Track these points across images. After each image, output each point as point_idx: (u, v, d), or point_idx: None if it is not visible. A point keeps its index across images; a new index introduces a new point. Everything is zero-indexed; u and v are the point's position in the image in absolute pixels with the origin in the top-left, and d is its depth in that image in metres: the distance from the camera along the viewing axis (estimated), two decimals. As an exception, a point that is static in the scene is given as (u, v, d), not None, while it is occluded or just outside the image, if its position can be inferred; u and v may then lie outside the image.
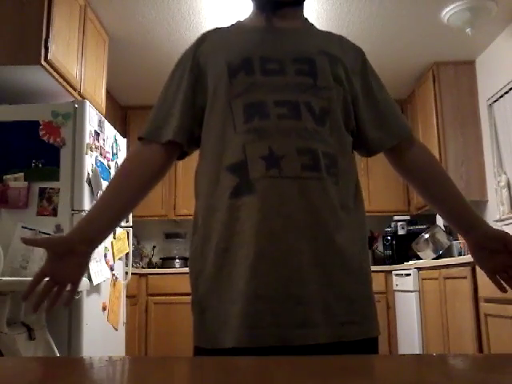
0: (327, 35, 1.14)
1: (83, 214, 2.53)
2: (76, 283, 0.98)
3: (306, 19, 1.14)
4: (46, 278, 0.96)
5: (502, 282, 1.11)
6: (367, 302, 0.99)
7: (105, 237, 1.04)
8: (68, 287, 0.98)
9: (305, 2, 1.13)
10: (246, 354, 0.85)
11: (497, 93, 3.68)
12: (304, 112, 0.96)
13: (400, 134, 1.10)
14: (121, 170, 1.07)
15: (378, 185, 4.68)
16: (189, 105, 1.04)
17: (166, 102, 1.06)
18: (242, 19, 1.16)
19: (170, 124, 1.03)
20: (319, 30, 1.15)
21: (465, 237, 1.12)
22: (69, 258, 0.96)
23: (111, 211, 1.02)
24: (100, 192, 2.72)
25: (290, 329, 0.89)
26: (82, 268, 1.00)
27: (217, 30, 1.13)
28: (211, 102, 1.02)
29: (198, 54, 1.07)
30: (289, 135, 0.94)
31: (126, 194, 1.03)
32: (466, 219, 1.09)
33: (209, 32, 1.12)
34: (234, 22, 1.16)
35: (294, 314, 0.90)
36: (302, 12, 1.13)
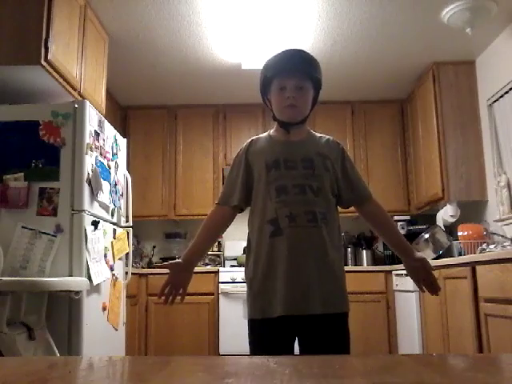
0: (320, 140, 1.81)
1: (83, 214, 2.53)
2: (185, 288, 1.71)
3: (309, 130, 1.83)
4: (168, 286, 1.69)
5: (424, 288, 1.76)
6: (342, 293, 1.71)
7: (199, 261, 1.92)
8: (180, 290, 1.70)
9: (308, 117, 1.80)
10: (282, 322, 1.62)
11: (497, 93, 3.68)
12: (308, 190, 1.68)
13: (363, 196, 1.82)
14: (208, 222, 1.82)
15: (378, 185, 4.68)
16: (244, 186, 1.77)
17: (230, 183, 1.80)
18: (271, 132, 1.83)
19: (234, 196, 1.77)
20: (316, 137, 1.82)
21: (402, 259, 1.81)
22: (181, 274, 1.73)
23: (203, 247, 1.86)
24: (100, 192, 2.73)
25: (305, 306, 1.63)
26: (188, 279, 1.74)
27: (257, 139, 1.83)
28: (256, 184, 1.74)
29: (247, 156, 1.79)
30: (300, 204, 1.67)
31: (211, 236, 1.86)
32: (403, 249, 1.80)
33: (253, 140, 1.83)
34: (266, 133, 1.85)
35: (306, 299, 1.64)
36: (305, 126, 1.81)
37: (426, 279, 1.75)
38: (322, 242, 1.67)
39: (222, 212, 1.80)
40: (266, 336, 1.66)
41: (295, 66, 1.71)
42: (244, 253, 4.44)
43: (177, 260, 1.77)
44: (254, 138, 1.85)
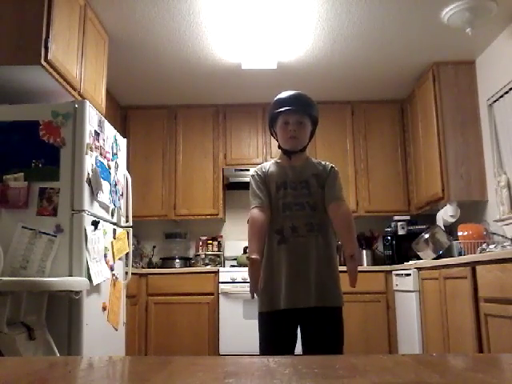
0: (317, 165, 2.21)
1: (83, 214, 2.53)
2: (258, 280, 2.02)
3: (308, 157, 2.25)
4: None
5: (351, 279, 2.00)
6: (336, 290, 2.08)
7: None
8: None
9: (307, 146, 2.25)
10: (287, 314, 2.01)
11: (497, 93, 3.68)
12: (306, 206, 2.10)
13: (333, 198, 2.14)
14: (255, 221, 2.07)
15: (378, 185, 4.68)
16: (268, 195, 2.14)
17: (257, 193, 2.13)
18: (277, 159, 2.25)
19: (263, 199, 2.12)
20: (314, 162, 2.23)
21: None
22: (259, 268, 2.02)
23: (263, 242, 2.09)
24: (100, 192, 2.73)
25: (304, 300, 2.01)
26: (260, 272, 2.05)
27: (267, 165, 2.23)
28: (270, 199, 2.13)
29: (264, 176, 2.18)
30: (300, 217, 2.08)
31: (265, 232, 2.09)
32: (343, 244, 2.14)
33: (267, 165, 2.24)
34: (273, 161, 2.27)
35: (305, 295, 2.02)
36: (305, 153, 2.23)
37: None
38: (319, 247, 2.07)
39: (263, 211, 2.09)
40: (272, 325, 2.05)
41: (297, 106, 2.14)
42: (244, 252, 4.46)
43: (254, 257, 1.97)
44: (264, 164, 2.27)
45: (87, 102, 2.68)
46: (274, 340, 2.05)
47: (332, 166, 2.22)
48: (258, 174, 2.21)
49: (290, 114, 2.14)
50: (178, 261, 4.64)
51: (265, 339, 2.05)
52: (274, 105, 2.19)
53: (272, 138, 2.31)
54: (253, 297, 1.98)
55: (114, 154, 3.06)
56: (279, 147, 2.23)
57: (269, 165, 2.25)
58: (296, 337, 2.06)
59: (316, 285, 2.02)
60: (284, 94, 2.19)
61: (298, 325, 2.05)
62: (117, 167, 3.10)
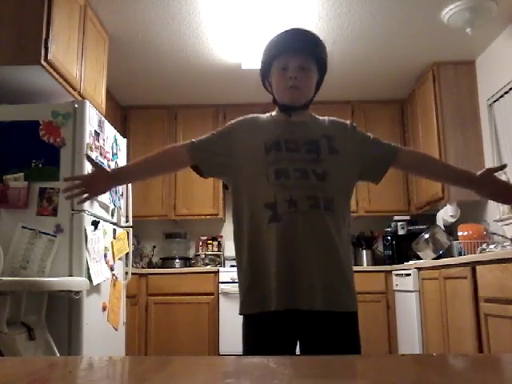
0: (324, 121, 1.66)
1: (83, 214, 2.53)
2: (92, 195, 1.61)
3: (311, 114, 1.67)
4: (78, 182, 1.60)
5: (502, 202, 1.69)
6: (350, 292, 1.53)
7: (126, 183, 1.84)
8: (85, 195, 1.58)
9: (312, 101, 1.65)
10: (280, 318, 1.46)
11: (497, 93, 3.68)
12: (311, 175, 1.51)
13: (392, 153, 1.66)
14: (161, 152, 1.68)
15: (378, 185, 4.68)
16: (216, 158, 1.65)
17: (211, 142, 1.67)
18: (272, 113, 1.67)
19: (204, 156, 1.65)
20: (320, 119, 1.67)
21: (470, 188, 1.66)
22: (99, 180, 1.59)
23: (138, 172, 1.69)
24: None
25: (305, 299, 1.46)
26: (101, 191, 1.66)
27: (256, 117, 1.68)
28: (251, 166, 1.56)
29: (237, 133, 1.64)
30: (302, 188, 1.50)
31: (155, 166, 1.69)
32: (462, 179, 1.69)
33: (252, 117, 1.68)
34: (271, 113, 1.68)
35: (307, 292, 1.46)
36: (308, 111, 1.66)
37: (501, 191, 1.60)
38: (326, 231, 1.50)
39: (181, 155, 1.65)
40: (260, 333, 1.49)
41: (299, 45, 1.57)
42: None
43: (108, 168, 1.63)
44: (252, 115, 1.70)
45: (87, 102, 2.68)
46: (261, 353, 1.38)
47: (343, 121, 1.68)
48: (232, 127, 1.68)
49: (289, 55, 1.55)
50: (177, 261, 4.64)
51: (249, 352, 1.48)
52: (268, 46, 1.62)
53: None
54: (67, 198, 1.59)
55: (114, 154, 3.06)
56: (274, 102, 1.64)
57: (259, 118, 1.68)
58: (294, 351, 1.51)
59: (323, 278, 1.46)
60: (282, 33, 1.61)
61: (297, 338, 1.50)
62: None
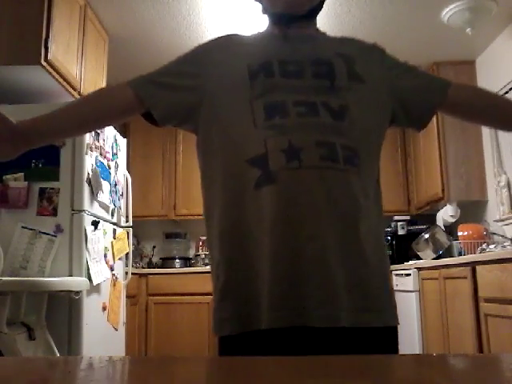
0: (340, 39, 1.19)
1: (83, 214, 2.53)
2: None
3: (318, 29, 1.18)
4: None
5: None
6: (389, 296, 1.03)
7: (44, 141, 1.17)
8: None
9: (317, 16, 1.16)
10: (274, 338, 0.92)
11: (497, 93, 3.68)
12: (322, 110, 0.99)
13: (442, 87, 1.14)
14: (95, 93, 1.25)
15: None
16: (172, 91, 1.10)
17: (160, 72, 1.15)
18: (260, 31, 1.19)
19: (157, 93, 1.11)
20: (332, 36, 1.18)
21: None
22: (2, 140, 1.07)
23: (60, 124, 1.11)
24: (100, 192, 2.73)
25: (316, 314, 0.93)
26: (5, 156, 1.13)
27: (236, 35, 1.17)
28: (228, 101, 1.05)
29: (212, 49, 1.12)
30: (308, 130, 0.98)
31: (82, 115, 1.12)
32: None
33: (229, 36, 1.16)
34: (259, 31, 1.19)
35: (324, 298, 0.93)
36: (315, 24, 1.17)
37: None
38: (350, 198, 0.98)
39: (123, 93, 1.13)
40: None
41: None
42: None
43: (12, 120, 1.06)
44: (231, 34, 1.17)
45: (87, 102, 2.67)
46: None
47: (366, 42, 1.24)
48: (199, 51, 1.13)
49: None
50: (178, 261, 4.64)
51: None
52: None
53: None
54: None
55: (114, 154, 3.06)
56: (264, 13, 1.16)
57: (243, 36, 1.16)
58: None
59: (349, 276, 0.96)
60: None
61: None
62: (117, 167, 3.10)
